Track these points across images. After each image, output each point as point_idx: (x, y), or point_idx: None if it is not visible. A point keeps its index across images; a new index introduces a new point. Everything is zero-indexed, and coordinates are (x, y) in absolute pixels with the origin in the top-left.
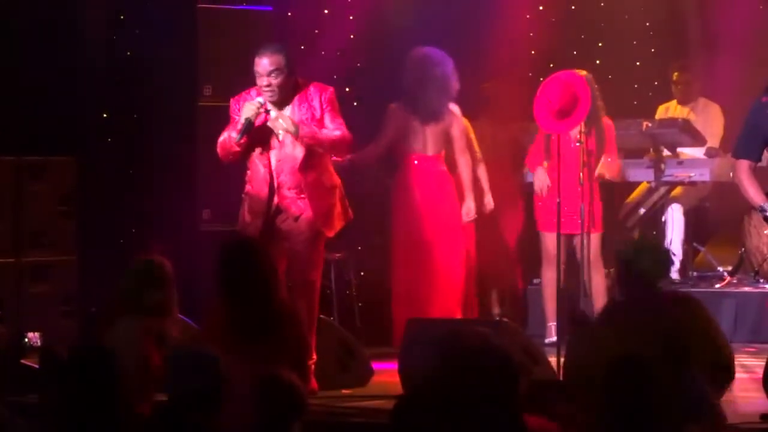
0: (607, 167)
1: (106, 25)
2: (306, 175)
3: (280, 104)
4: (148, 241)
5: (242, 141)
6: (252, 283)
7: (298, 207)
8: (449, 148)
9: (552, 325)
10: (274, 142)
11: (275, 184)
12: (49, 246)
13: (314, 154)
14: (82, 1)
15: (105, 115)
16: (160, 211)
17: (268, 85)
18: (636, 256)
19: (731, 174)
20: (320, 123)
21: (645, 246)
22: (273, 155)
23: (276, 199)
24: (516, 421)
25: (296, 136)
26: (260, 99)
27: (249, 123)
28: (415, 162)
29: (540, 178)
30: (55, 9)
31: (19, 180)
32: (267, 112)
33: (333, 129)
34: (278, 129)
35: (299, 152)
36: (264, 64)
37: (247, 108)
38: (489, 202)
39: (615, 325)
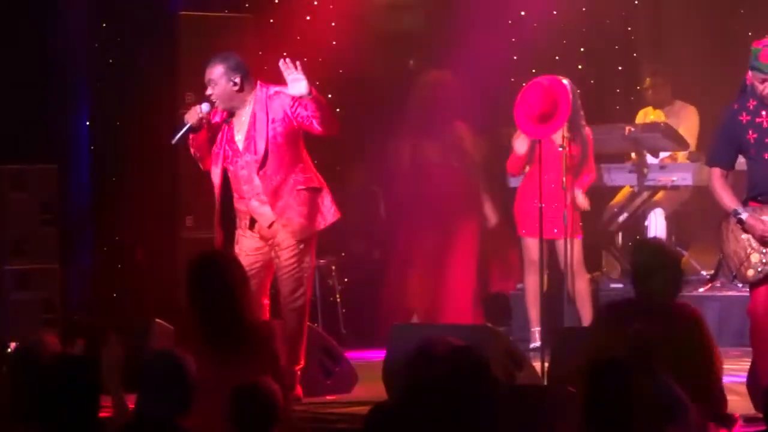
0: (583, 201)
1: (87, 33)
2: (268, 181)
3: (231, 110)
4: (130, 248)
5: (176, 143)
6: (216, 294)
7: (265, 216)
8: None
9: (536, 330)
10: (230, 151)
11: (245, 199)
12: (31, 254)
13: (276, 154)
14: (63, 9)
15: (87, 123)
16: (143, 219)
17: (210, 95)
18: (649, 274)
19: None
20: (284, 124)
21: (660, 264)
22: (236, 161)
23: (247, 209)
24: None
25: (310, 94)
26: (204, 106)
27: (189, 128)
28: (429, 174)
29: None
30: (36, 17)
31: (1, 188)
32: (228, 123)
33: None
34: (297, 92)
35: (258, 155)
36: (205, 74)
37: (190, 113)
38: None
39: (616, 326)
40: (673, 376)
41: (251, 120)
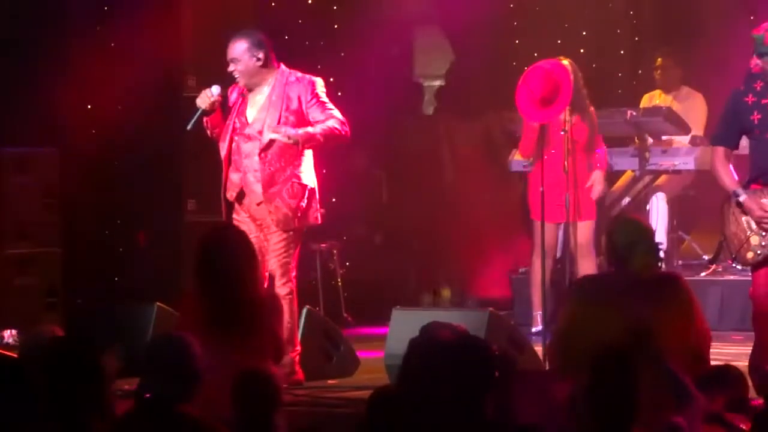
0: (599, 179)
1: (89, 17)
2: (266, 165)
3: (251, 86)
4: (132, 232)
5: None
6: (224, 271)
7: (255, 194)
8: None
9: (538, 314)
10: (238, 123)
11: (241, 172)
12: (33, 238)
13: (282, 146)
14: None
15: (89, 107)
16: (145, 202)
17: (233, 71)
18: (629, 255)
19: None
20: (297, 115)
21: (638, 238)
22: (242, 134)
23: (239, 182)
24: (503, 411)
25: (298, 145)
26: (214, 89)
27: (201, 112)
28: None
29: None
30: (38, 0)
31: (3, 173)
32: (243, 96)
33: (323, 119)
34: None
35: (265, 137)
36: (227, 51)
37: (201, 97)
38: None
39: (598, 302)
40: (670, 343)
41: (267, 102)
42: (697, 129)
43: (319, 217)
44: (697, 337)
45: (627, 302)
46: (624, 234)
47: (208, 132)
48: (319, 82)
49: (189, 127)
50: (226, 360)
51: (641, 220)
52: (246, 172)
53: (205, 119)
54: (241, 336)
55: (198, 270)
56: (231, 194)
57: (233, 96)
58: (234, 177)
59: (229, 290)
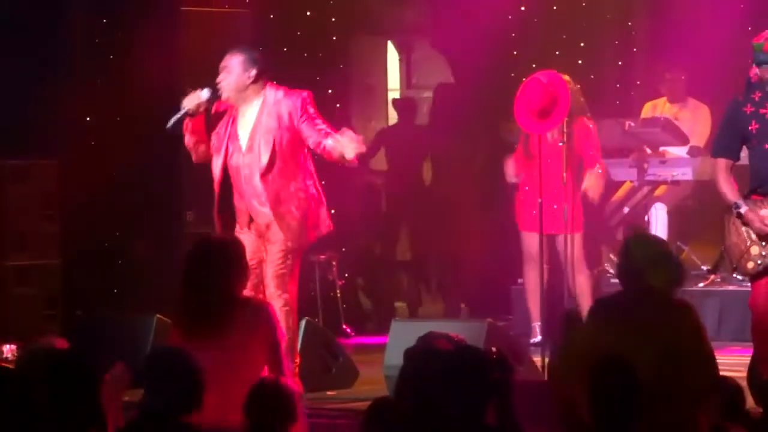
0: (593, 182)
1: (89, 29)
2: (270, 186)
3: (236, 102)
4: (131, 243)
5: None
6: (211, 276)
7: (264, 216)
8: None
9: (536, 325)
10: (231, 147)
11: (245, 199)
12: (33, 249)
13: (280, 161)
14: (65, 4)
15: (88, 119)
16: (144, 214)
17: (219, 81)
18: (649, 270)
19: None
20: (291, 131)
21: (660, 259)
22: (238, 159)
23: (245, 208)
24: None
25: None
26: (204, 92)
27: (184, 113)
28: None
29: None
30: (38, 11)
31: (2, 183)
32: (233, 118)
33: (320, 137)
34: (349, 153)
35: (263, 159)
36: (222, 61)
37: (189, 98)
38: None
39: (612, 324)
40: (681, 367)
41: (257, 122)
42: (700, 140)
43: (330, 225)
44: (710, 365)
45: (642, 321)
46: (642, 250)
47: (186, 138)
48: (308, 97)
49: (169, 125)
50: (206, 359)
51: (659, 237)
52: (250, 198)
53: (186, 121)
54: (222, 337)
55: (184, 272)
56: (242, 220)
57: (220, 109)
58: (240, 205)
59: (214, 293)
